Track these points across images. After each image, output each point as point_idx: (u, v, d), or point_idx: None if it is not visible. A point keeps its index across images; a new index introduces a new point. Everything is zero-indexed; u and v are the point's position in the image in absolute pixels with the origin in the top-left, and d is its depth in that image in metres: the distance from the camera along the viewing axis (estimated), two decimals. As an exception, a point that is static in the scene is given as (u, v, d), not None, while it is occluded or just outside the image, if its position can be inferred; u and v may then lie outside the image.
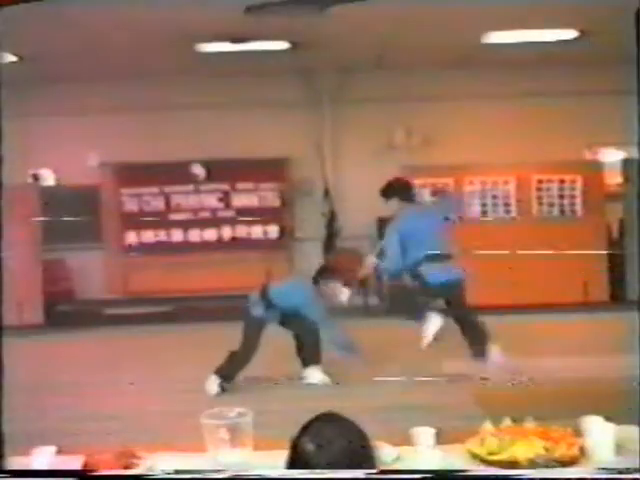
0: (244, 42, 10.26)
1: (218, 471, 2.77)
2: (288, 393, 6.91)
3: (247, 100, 12.37)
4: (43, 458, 3.06)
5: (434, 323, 7.26)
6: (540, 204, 12.00)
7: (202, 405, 3.67)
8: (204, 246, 12.66)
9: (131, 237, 12.73)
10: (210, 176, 12.63)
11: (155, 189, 12.72)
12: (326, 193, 12.64)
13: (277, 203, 12.78)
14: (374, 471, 2.41)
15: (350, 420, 2.45)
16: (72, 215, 12.15)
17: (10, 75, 12.34)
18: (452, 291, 7.20)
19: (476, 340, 7.22)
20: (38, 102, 12.47)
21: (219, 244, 12.69)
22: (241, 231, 12.79)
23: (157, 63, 11.33)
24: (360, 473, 2.38)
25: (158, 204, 12.73)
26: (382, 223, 12.28)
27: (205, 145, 12.24)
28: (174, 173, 12.53)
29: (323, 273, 7.30)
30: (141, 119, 12.39)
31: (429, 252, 7.04)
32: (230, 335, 7.31)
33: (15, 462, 3.04)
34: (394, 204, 7.37)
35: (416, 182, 11.96)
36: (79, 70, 11.53)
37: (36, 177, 12.56)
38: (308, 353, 7.24)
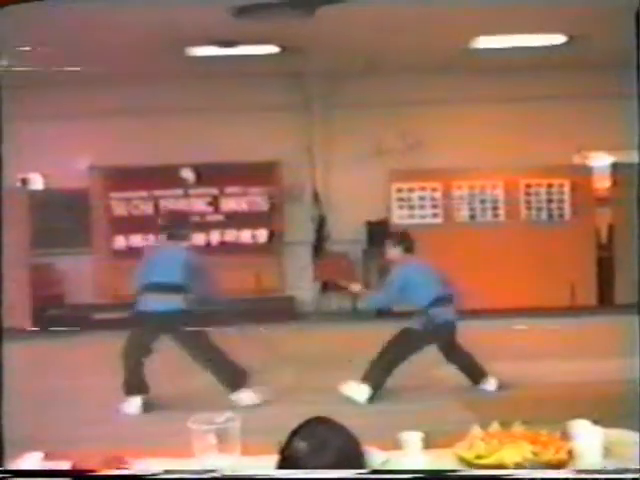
0: (234, 46, 10.27)
1: (214, 471, 2.78)
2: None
3: (237, 104, 12.35)
4: (30, 463, 3.06)
5: None
6: (528, 208, 12.06)
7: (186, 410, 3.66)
8: (193, 250, 12.61)
9: (120, 241, 12.69)
10: (199, 180, 12.62)
11: (144, 193, 12.69)
12: (315, 197, 12.66)
13: (266, 207, 12.76)
14: (365, 471, 2.42)
15: (341, 424, 2.46)
16: (61, 219, 12.15)
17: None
18: (448, 332, 7.45)
19: (473, 375, 7.47)
20: (27, 105, 12.40)
21: (208, 248, 12.64)
22: (230, 235, 12.77)
23: (147, 66, 11.32)
24: (351, 473, 2.39)
25: (147, 208, 12.70)
26: (371, 227, 12.38)
27: (194, 149, 12.20)
28: (163, 177, 12.50)
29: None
30: (131, 122, 12.35)
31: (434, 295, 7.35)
32: (217, 339, 7.31)
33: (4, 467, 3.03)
34: (397, 252, 7.61)
35: (405, 186, 12.12)
36: (69, 73, 11.48)
37: (25, 181, 12.51)
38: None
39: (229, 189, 12.70)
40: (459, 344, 7.52)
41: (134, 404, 7.05)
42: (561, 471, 2.76)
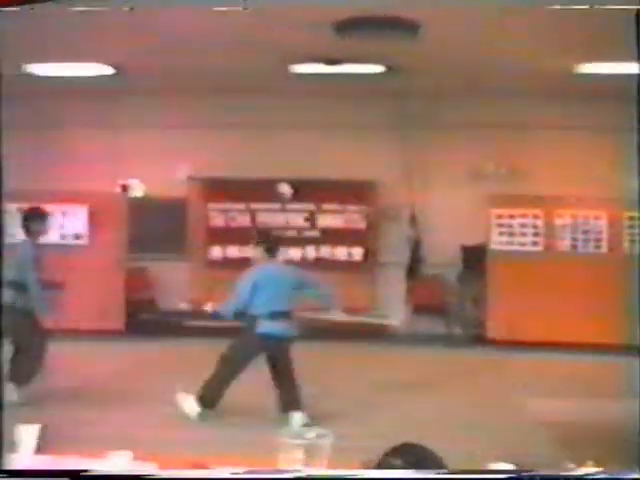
0: (338, 64, 10.27)
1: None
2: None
3: (337, 121, 12.38)
4: (119, 462, 3.07)
5: None
6: (631, 241, 11.68)
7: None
8: (288, 265, 12.65)
9: (216, 252, 12.84)
10: (296, 195, 12.68)
11: (242, 205, 12.82)
12: (412, 218, 12.54)
13: (363, 225, 12.73)
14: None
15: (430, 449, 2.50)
16: (158, 226, 12.37)
17: (103, 87, 12.66)
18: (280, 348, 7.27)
19: (285, 402, 7.22)
20: (130, 114, 12.75)
21: (303, 263, 12.67)
22: (325, 252, 12.77)
23: (250, 81, 11.43)
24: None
25: (244, 220, 12.82)
26: (466, 251, 12.20)
27: (293, 164, 12.28)
28: (261, 191, 12.62)
29: None
30: (231, 136, 12.51)
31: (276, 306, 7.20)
32: (306, 354, 7.31)
33: (85, 464, 3.05)
34: (258, 252, 7.48)
35: (506, 212, 11.88)
36: (173, 84, 11.72)
37: (125, 187, 12.79)
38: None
39: (326, 206, 12.72)
40: (289, 365, 7.27)
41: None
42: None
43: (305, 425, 6.94)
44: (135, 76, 11.09)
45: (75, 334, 11.08)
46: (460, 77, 11.02)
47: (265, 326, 7.11)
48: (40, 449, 3.17)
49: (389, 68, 10.47)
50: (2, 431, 1.58)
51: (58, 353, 8.66)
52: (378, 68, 10.50)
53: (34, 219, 8.29)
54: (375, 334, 11.78)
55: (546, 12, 6.63)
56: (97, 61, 10.47)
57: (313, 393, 7.44)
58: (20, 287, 7.80)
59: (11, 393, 7.78)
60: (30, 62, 10.40)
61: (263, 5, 7.66)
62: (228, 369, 7.18)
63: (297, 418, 7.07)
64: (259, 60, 10.15)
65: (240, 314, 7.34)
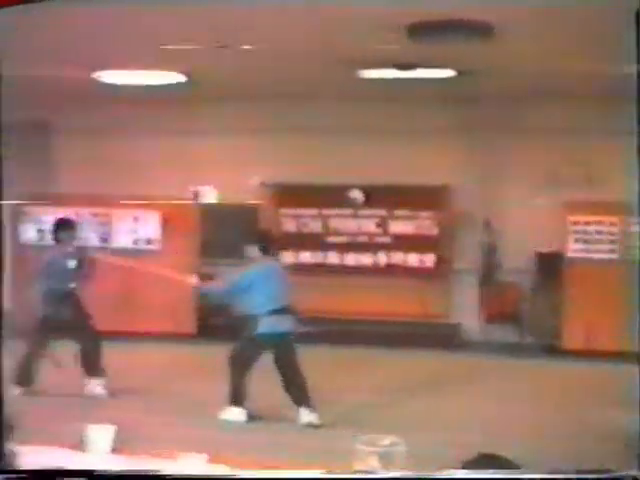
0: (409, 69, 10.18)
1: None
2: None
3: (409, 126, 12.27)
4: (191, 464, 3.06)
5: None
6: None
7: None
8: (359, 270, 12.64)
9: (288, 257, 12.86)
10: (368, 201, 12.62)
11: (314, 211, 12.83)
12: (487, 224, 12.35)
13: (435, 231, 12.60)
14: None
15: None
16: (230, 232, 12.43)
17: (175, 94, 12.79)
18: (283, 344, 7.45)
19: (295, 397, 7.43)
20: (202, 121, 12.87)
21: (374, 269, 12.63)
22: (397, 258, 12.69)
23: (321, 87, 11.43)
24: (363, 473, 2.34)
25: (316, 226, 12.83)
26: (542, 258, 11.98)
27: (364, 170, 12.24)
28: (333, 196, 12.60)
29: None
30: (301, 141, 12.53)
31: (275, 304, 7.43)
32: (378, 360, 7.27)
33: (158, 465, 3.04)
34: (254, 251, 7.63)
35: (582, 219, 11.63)
36: (244, 90, 11.78)
37: (197, 194, 12.91)
38: None
39: (398, 211, 12.62)
40: (295, 361, 7.41)
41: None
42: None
43: (313, 424, 7.06)
44: (207, 83, 11.17)
45: (147, 337, 11.24)
46: (535, 80, 10.82)
47: (265, 325, 7.29)
48: (113, 449, 3.17)
49: (460, 72, 10.34)
50: (2, 431, 1.56)
51: (129, 355, 8.77)
52: (449, 72, 10.39)
53: (63, 228, 8.50)
54: (448, 341, 11.66)
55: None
56: (169, 69, 10.58)
57: (385, 401, 7.38)
58: (54, 295, 8.07)
59: (97, 387, 8.01)
60: (102, 70, 10.56)
61: (334, 9, 7.69)
62: (237, 371, 7.40)
63: (304, 414, 7.27)
64: (329, 65, 10.12)
65: (227, 298, 7.83)
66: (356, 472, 2.46)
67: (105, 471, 1.78)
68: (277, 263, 7.83)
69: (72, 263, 8.24)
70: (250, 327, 7.38)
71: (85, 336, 8.27)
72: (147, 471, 2.85)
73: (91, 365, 8.27)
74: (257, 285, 7.33)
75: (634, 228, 11.46)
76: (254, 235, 7.88)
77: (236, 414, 7.38)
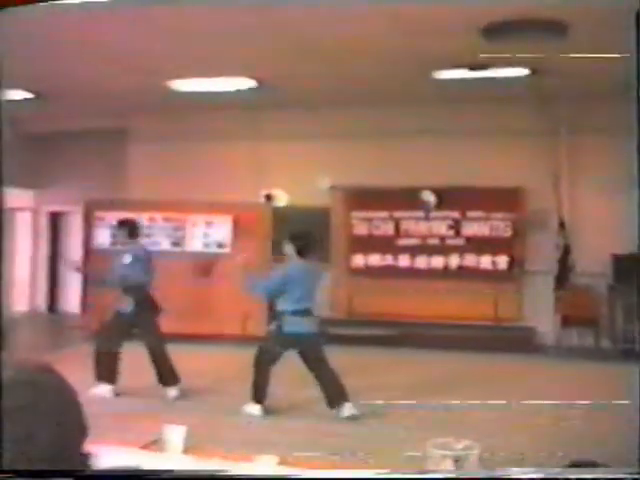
0: (483, 69, 10.08)
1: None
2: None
3: (482, 127, 12.15)
4: (264, 466, 3.06)
5: None
6: None
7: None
8: (431, 273, 12.55)
9: (359, 260, 12.85)
10: (441, 203, 12.53)
11: (385, 214, 12.79)
12: (561, 225, 12.13)
13: (508, 233, 12.44)
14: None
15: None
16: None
17: (247, 100, 12.89)
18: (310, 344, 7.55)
19: (330, 396, 7.48)
20: (272, 125, 12.96)
21: (446, 272, 12.53)
22: (470, 260, 12.56)
23: (393, 89, 11.39)
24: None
25: (387, 229, 12.79)
26: (618, 261, 11.72)
27: (437, 172, 12.15)
28: (404, 199, 12.55)
29: None
30: (372, 144, 12.52)
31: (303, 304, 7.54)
32: (451, 363, 7.19)
33: (230, 466, 3.04)
34: (289, 250, 7.71)
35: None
36: (314, 95, 11.81)
37: (269, 197, 12.99)
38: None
39: (471, 213, 12.51)
40: (323, 360, 7.46)
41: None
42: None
43: (354, 416, 7.06)
44: (277, 88, 11.23)
45: (219, 339, 11.35)
46: (610, 79, 10.61)
47: (290, 324, 7.39)
48: (185, 450, 3.19)
49: (534, 71, 10.20)
50: (2, 431, 1.57)
51: (201, 356, 8.83)
52: (523, 71, 10.25)
53: (122, 229, 8.76)
54: (523, 345, 11.50)
55: None
56: (240, 75, 10.67)
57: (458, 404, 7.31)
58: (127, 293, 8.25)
59: (171, 391, 8.11)
60: (174, 78, 10.71)
61: (409, 11, 7.67)
62: (261, 368, 7.48)
63: (345, 409, 7.34)
64: (402, 67, 10.09)
65: (267, 296, 8.12)
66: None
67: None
68: (312, 264, 7.82)
69: (127, 259, 8.41)
70: (277, 326, 7.51)
71: (150, 339, 8.34)
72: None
73: (161, 370, 8.32)
74: (292, 282, 7.48)
75: None
76: (292, 235, 7.83)
77: (255, 410, 7.48)
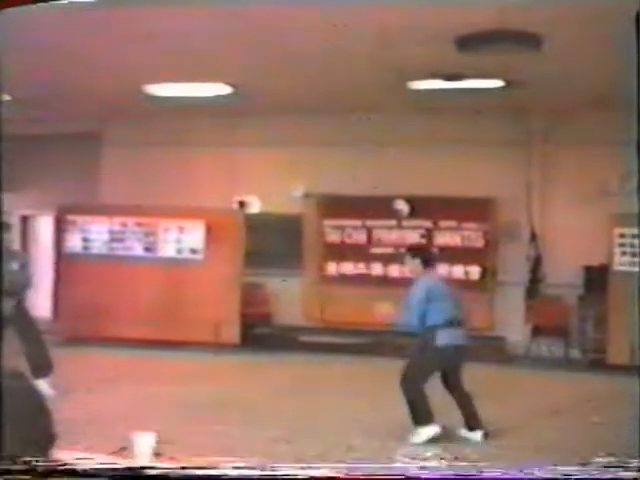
0: (458, 80, 10.13)
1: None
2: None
3: (455, 137, 12.20)
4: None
5: None
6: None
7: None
8: (403, 282, 12.53)
9: (331, 267, 12.85)
10: (413, 212, 12.57)
11: (357, 222, 12.81)
12: (532, 237, 12.22)
13: (480, 243, 12.50)
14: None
15: None
16: (274, 242, 12.49)
17: (221, 106, 12.83)
18: (457, 357, 7.25)
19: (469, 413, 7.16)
20: (246, 132, 12.95)
21: (417, 281, 12.53)
22: (442, 270, 12.57)
23: (366, 99, 11.41)
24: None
25: (360, 237, 12.81)
26: (589, 272, 11.81)
27: (410, 181, 12.20)
28: (377, 207, 12.58)
29: None
30: (345, 152, 12.54)
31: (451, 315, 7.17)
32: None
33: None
34: (415, 265, 7.40)
35: (629, 231, 11.44)
36: (289, 102, 11.81)
37: (241, 204, 12.98)
38: None
39: (443, 223, 12.55)
40: (461, 375, 7.20)
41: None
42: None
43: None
44: (252, 95, 11.22)
45: (190, 345, 11.30)
46: (585, 92, 10.70)
47: (443, 337, 7.03)
48: (154, 457, 3.17)
49: (509, 82, 10.27)
50: (2, 430, 1.56)
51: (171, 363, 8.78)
52: (498, 83, 10.32)
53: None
54: (495, 355, 11.54)
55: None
56: (215, 80, 10.65)
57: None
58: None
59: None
60: (148, 82, 10.67)
61: (383, 21, 7.69)
62: (416, 387, 7.04)
63: (478, 436, 7.05)
64: (377, 77, 10.12)
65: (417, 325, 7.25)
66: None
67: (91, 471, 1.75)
68: (440, 276, 7.74)
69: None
70: (429, 340, 7.07)
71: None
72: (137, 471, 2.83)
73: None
74: (433, 297, 7.14)
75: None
76: (414, 250, 7.74)
77: (429, 432, 7.00)
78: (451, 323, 7.09)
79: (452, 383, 7.19)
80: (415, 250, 7.83)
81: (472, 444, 6.87)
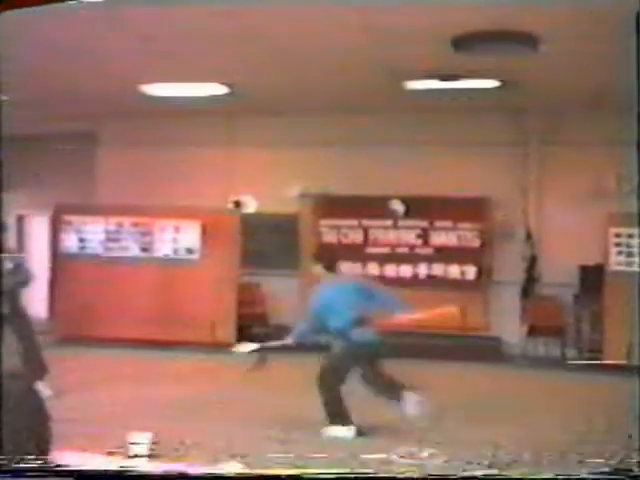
0: (454, 80, 10.14)
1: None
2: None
3: (451, 137, 12.24)
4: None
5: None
6: None
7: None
8: (399, 282, 12.56)
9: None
10: (409, 212, 12.58)
11: (354, 222, 12.81)
12: (528, 236, 12.25)
13: (476, 243, 12.52)
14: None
15: None
16: (270, 242, 12.49)
17: (217, 106, 12.87)
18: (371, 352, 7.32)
19: (391, 392, 7.27)
20: (243, 132, 12.95)
21: (414, 281, 12.57)
22: (438, 269, 12.62)
23: (362, 98, 11.42)
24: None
25: (356, 237, 12.82)
26: (584, 272, 11.83)
27: (406, 181, 12.21)
28: (373, 207, 12.60)
29: None
30: (342, 152, 12.55)
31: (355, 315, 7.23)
32: (418, 373, 7.20)
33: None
34: (319, 270, 7.55)
35: (624, 231, 11.46)
36: (285, 102, 11.82)
37: (237, 204, 12.98)
38: None
39: (439, 223, 12.58)
40: (380, 367, 7.30)
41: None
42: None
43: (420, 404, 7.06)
44: (248, 95, 11.22)
45: (186, 345, 11.30)
46: (581, 92, 10.71)
47: (351, 336, 7.15)
48: (151, 456, 3.17)
49: (505, 83, 10.28)
50: (1, 430, 1.56)
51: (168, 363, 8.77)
52: (494, 83, 10.34)
53: None
54: (489, 354, 11.56)
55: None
56: (211, 81, 10.65)
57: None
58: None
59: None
60: (145, 82, 10.66)
61: (380, 21, 7.69)
62: (330, 388, 7.15)
63: (411, 397, 7.14)
64: (373, 77, 10.12)
65: (317, 332, 7.45)
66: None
67: (89, 471, 1.75)
68: (344, 278, 7.92)
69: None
70: (339, 340, 7.24)
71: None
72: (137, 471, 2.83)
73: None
74: (332, 301, 7.25)
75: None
76: (317, 254, 7.82)
77: (343, 431, 7.10)
78: (358, 322, 7.18)
79: (371, 378, 7.28)
80: (316, 256, 7.91)
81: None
